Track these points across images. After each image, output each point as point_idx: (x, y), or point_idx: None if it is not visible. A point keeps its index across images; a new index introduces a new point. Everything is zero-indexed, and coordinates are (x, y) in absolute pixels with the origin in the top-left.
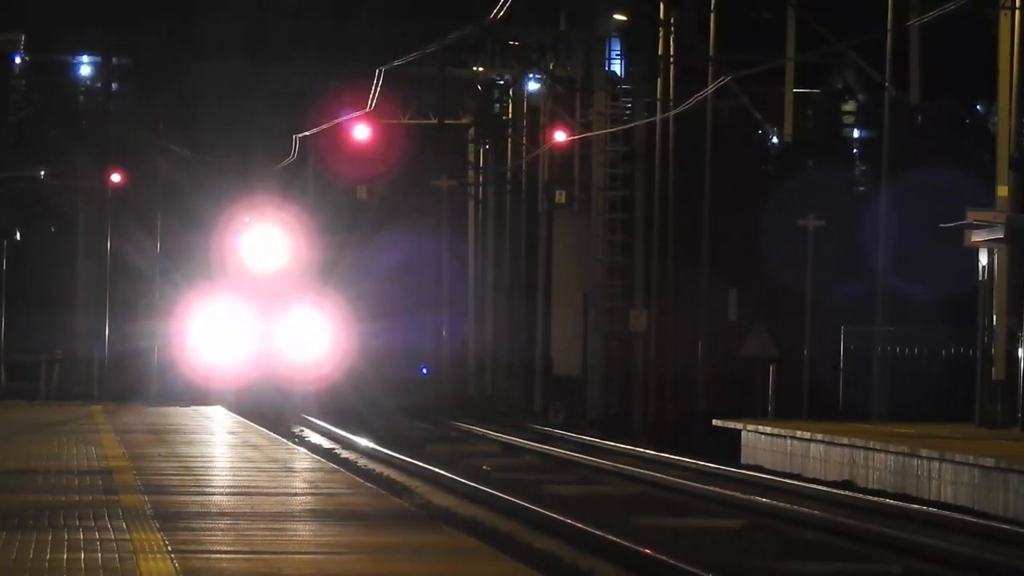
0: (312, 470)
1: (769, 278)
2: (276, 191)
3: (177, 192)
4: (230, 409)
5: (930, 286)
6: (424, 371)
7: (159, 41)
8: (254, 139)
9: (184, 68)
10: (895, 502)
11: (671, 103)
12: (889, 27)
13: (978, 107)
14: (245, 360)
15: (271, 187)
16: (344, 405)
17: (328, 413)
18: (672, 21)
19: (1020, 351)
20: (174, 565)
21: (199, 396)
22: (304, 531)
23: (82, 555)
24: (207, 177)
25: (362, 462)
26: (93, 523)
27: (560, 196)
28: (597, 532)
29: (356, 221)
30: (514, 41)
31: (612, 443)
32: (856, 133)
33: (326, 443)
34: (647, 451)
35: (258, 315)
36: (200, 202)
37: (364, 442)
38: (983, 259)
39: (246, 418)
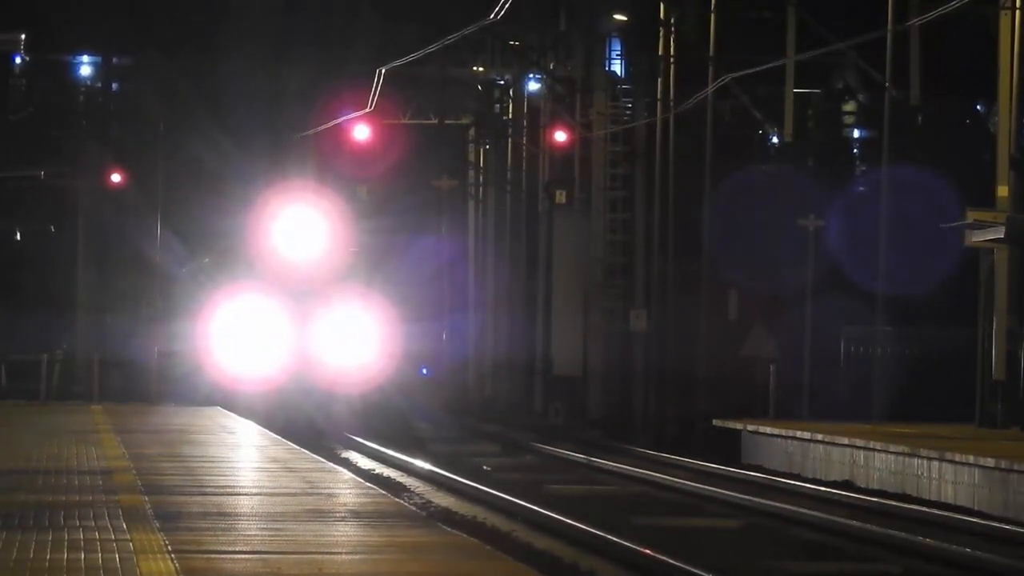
0: (312, 470)
1: (769, 278)
2: (308, 176)
3: (203, 178)
4: (232, 411)
5: (918, 285)
6: (424, 371)
7: (161, 38)
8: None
9: (191, 63)
10: (895, 502)
11: (671, 103)
12: (889, 27)
13: (978, 107)
14: (276, 361)
15: (303, 172)
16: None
17: (373, 429)
18: (672, 21)
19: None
20: (174, 565)
21: (224, 399)
22: (304, 531)
23: (82, 555)
24: (235, 159)
25: (362, 462)
26: (93, 523)
27: (560, 196)
28: (597, 532)
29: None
30: (514, 41)
31: (612, 443)
32: (856, 133)
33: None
34: (647, 451)
35: (290, 311)
36: (226, 187)
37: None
38: (983, 259)
39: (248, 418)
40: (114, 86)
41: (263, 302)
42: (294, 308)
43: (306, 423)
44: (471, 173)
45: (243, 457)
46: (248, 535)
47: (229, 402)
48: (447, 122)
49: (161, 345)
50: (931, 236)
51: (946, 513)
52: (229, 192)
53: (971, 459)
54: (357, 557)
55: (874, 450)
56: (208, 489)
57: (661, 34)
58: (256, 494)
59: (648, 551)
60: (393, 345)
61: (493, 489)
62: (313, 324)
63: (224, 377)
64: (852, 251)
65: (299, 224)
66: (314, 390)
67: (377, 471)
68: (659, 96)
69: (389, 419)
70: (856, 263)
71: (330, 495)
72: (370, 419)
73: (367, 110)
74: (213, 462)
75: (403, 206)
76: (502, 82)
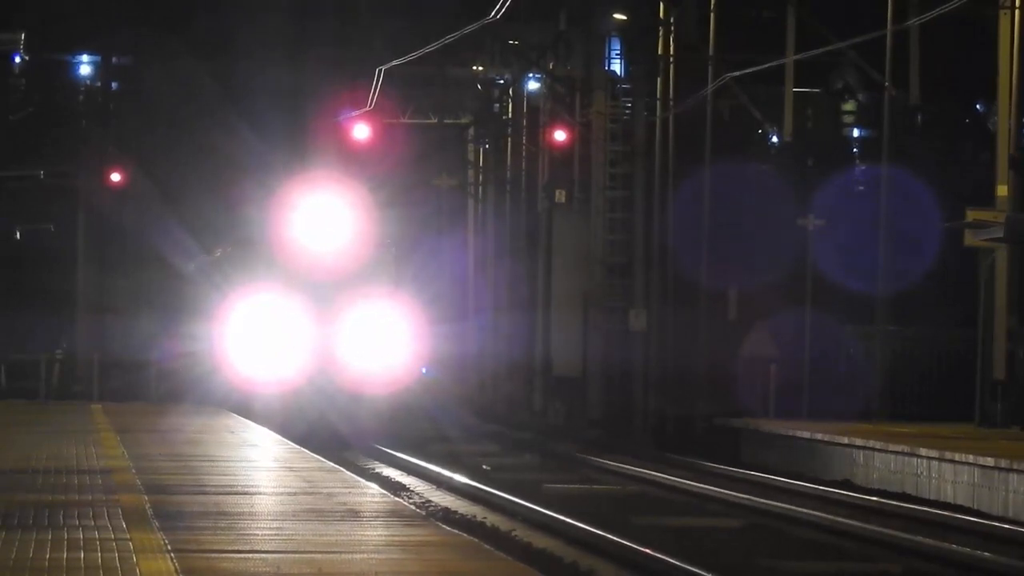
0: (312, 469)
1: (769, 278)
2: (331, 164)
3: (211, 167)
4: (248, 415)
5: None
6: (423, 371)
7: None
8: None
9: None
10: (895, 502)
11: (671, 102)
12: (889, 27)
13: (978, 107)
14: (296, 362)
15: (326, 160)
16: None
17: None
18: (672, 21)
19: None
20: (174, 565)
21: (240, 402)
22: (304, 530)
23: (82, 554)
24: (252, 144)
25: (362, 461)
26: (93, 522)
27: (560, 195)
28: (597, 531)
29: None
30: (514, 40)
31: (612, 443)
32: (856, 133)
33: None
34: (647, 450)
35: (311, 309)
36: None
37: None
38: (983, 259)
39: (264, 423)
40: (114, 85)
41: (281, 299)
42: (315, 305)
43: (327, 429)
44: (471, 173)
45: (243, 456)
46: (247, 534)
47: (245, 405)
48: (447, 122)
49: (166, 345)
50: (922, 234)
51: (946, 512)
52: (243, 181)
53: (971, 458)
54: (356, 556)
55: (874, 449)
56: (208, 488)
57: (661, 34)
58: (256, 493)
59: (648, 551)
60: (421, 346)
61: (493, 488)
62: (337, 323)
63: (240, 379)
64: (846, 250)
65: (322, 214)
66: (337, 393)
67: (376, 469)
68: (659, 95)
69: (416, 422)
70: (850, 262)
71: (329, 494)
72: (397, 423)
73: (367, 109)
74: (213, 461)
75: (409, 203)
76: (502, 82)
